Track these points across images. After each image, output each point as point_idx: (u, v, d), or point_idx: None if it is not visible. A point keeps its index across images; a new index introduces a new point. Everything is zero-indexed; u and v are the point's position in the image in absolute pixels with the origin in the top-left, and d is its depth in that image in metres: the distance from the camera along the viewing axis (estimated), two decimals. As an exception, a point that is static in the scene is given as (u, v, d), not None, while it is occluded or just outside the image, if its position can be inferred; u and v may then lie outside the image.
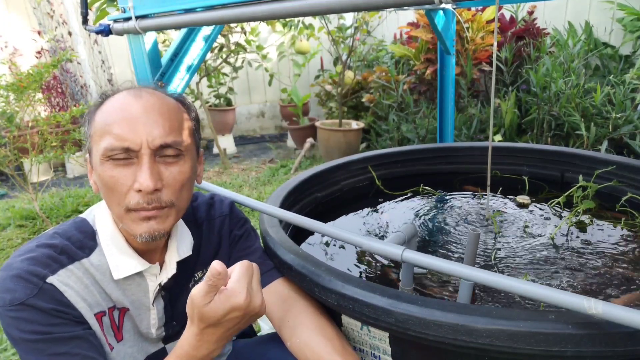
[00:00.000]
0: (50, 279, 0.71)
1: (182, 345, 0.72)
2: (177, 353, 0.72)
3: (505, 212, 1.35)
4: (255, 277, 0.70)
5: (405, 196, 1.53)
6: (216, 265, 0.65)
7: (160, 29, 1.18)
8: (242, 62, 4.74)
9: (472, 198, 1.49)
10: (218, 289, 0.66)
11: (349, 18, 4.45)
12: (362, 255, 1.18)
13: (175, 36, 1.35)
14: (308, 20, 4.52)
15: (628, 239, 1.16)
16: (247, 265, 0.69)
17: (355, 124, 4.16)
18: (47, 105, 4.50)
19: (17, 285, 0.69)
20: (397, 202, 1.50)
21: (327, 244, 1.25)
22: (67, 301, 0.73)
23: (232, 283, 0.67)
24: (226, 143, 4.85)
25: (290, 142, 4.97)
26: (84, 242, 0.78)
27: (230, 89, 5.02)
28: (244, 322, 0.70)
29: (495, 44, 0.97)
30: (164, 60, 1.30)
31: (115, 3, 1.48)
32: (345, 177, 1.60)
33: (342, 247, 1.23)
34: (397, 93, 3.74)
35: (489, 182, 1.21)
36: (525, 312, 0.67)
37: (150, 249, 0.83)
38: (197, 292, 0.66)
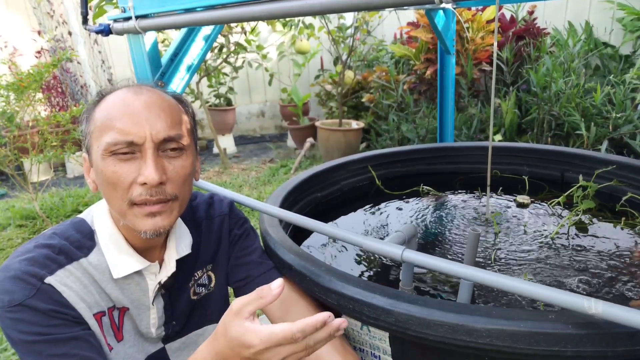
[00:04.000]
0: (49, 280, 0.71)
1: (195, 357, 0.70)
2: None
3: (506, 212, 1.35)
4: (292, 348, 0.61)
5: (405, 196, 1.53)
6: (278, 281, 0.63)
7: (160, 29, 1.18)
8: (242, 62, 4.74)
9: (472, 198, 1.49)
10: (263, 301, 0.62)
11: (349, 18, 4.45)
12: (363, 255, 1.18)
13: (175, 36, 1.35)
14: (308, 20, 4.52)
15: (628, 238, 1.16)
16: (289, 336, 0.60)
17: (355, 124, 4.16)
18: (47, 105, 4.51)
19: (15, 286, 0.69)
20: (397, 202, 1.50)
21: (327, 244, 1.25)
22: (66, 301, 0.72)
23: (265, 334, 0.60)
24: (226, 143, 4.85)
25: (290, 142, 4.97)
26: (82, 241, 0.78)
27: (230, 89, 5.02)
28: None
29: (495, 43, 0.97)
30: (164, 60, 1.29)
31: (113, 1, 1.47)
32: (345, 177, 1.60)
33: (342, 247, 1.23)
34: (397, 93, 3.74)
35: (489, 182, 1.21)
36: (525, 312, 0.67)
37: (150, 247, 0.83)
38: (239, 298, 0.63)
